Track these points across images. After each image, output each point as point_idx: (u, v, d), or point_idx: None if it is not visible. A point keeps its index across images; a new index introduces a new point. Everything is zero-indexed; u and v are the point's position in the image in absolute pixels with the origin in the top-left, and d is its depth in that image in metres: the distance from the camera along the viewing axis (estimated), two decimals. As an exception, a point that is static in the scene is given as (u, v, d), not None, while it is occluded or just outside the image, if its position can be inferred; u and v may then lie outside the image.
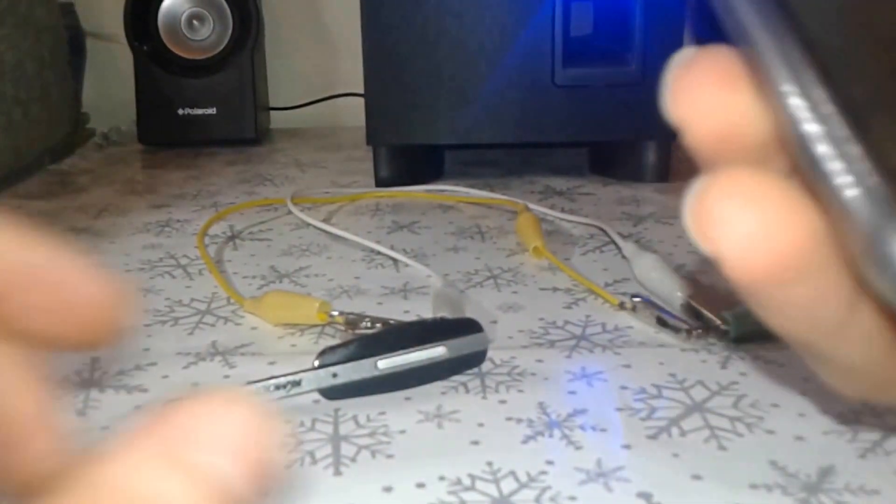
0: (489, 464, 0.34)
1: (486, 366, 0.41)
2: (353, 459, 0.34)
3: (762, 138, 0.15)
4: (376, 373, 0.38)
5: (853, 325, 0.15)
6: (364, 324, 0.45)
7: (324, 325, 0.46)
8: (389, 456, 0.34)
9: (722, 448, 0.34)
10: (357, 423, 0.37)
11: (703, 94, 0.15)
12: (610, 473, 0.33)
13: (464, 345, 0.40)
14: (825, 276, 0.14)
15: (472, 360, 0.41)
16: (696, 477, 0.32)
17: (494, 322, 0.47)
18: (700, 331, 0.44)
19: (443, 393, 0.39)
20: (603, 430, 0.36)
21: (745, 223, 0.14)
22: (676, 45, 0.68)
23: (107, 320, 0.17)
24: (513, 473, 0.33)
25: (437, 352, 0.39)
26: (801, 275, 0.14)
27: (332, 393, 0.38)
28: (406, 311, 0.49)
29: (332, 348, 0.38)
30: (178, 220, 0.67)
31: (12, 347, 0.17)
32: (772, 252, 0.14)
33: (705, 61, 0.15)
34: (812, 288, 0.14)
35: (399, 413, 0.37)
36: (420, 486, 0.32)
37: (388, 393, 0.39)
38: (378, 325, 0.45)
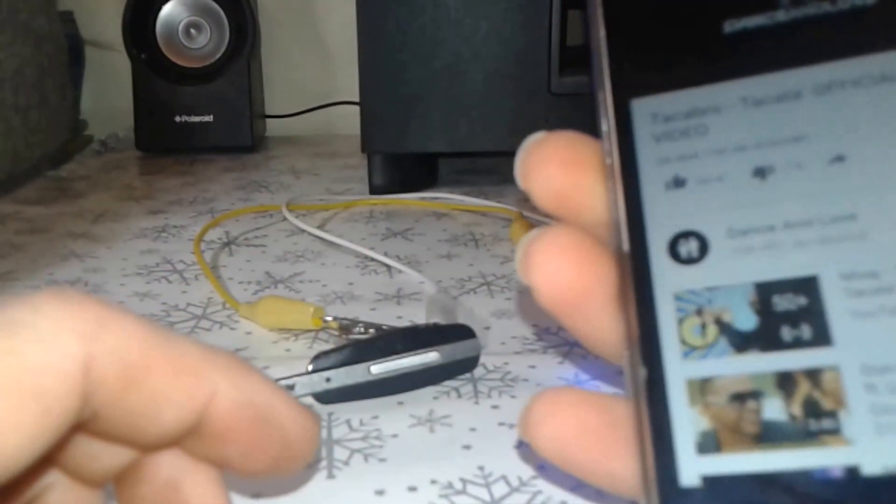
0: (481, 468, 0.34)
1: (478, 371, 0.42)
2: (346, 463, 0.34)
3: (592, 207, 0.20)
4: (369, 377, 0.39)
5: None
6: (357, 329, 0.45)
7: (318, 331, 0.47)
8: (382, 460, 0.35)
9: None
10: (350, 426, 0.37)
11: (546, 169, 0.20)
12: (599, 477, 0.33)
13: (456, 350, 0.41)
14: (605, 313, 0.19)
15: (464, 366, 0.41)
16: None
17: (487, 328, 0.47)
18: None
19: (435, 398, 0.40)
20: (593, 434, 0.36)
21: (544, 269, 0.19)
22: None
23: (303, 457, 0.18)
24: (504, 478, 0.33)
25: (429, 357, 0.40)
26: (582, 309, 0.19)
27: (325, 397, 0.38)
28: (399, 317, 0.49)
29: (325, 353, 0.39)
30: (175, 226, 0.68)
31: (211, 469, 0.18)
32: (558, 289, 0.19)
33: (552, 142, 0.20)
34: (595, 321, 0.19)
35: (392, 417, 0.38)
36: (412, 489, 0.33)
37: (381, 397, 0.39)
38: (371, 330, 0.45)
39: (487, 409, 0.39)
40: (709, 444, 0.16)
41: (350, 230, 0.66)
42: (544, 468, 0.34)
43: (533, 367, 0.42)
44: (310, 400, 0.38)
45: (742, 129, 0.18)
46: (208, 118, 0.93)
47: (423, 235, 0.64)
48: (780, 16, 0.18)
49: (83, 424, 0.15)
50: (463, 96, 0.71)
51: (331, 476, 0.34)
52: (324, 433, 0.37)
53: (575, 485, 0.33)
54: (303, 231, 0.65)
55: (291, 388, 0.38)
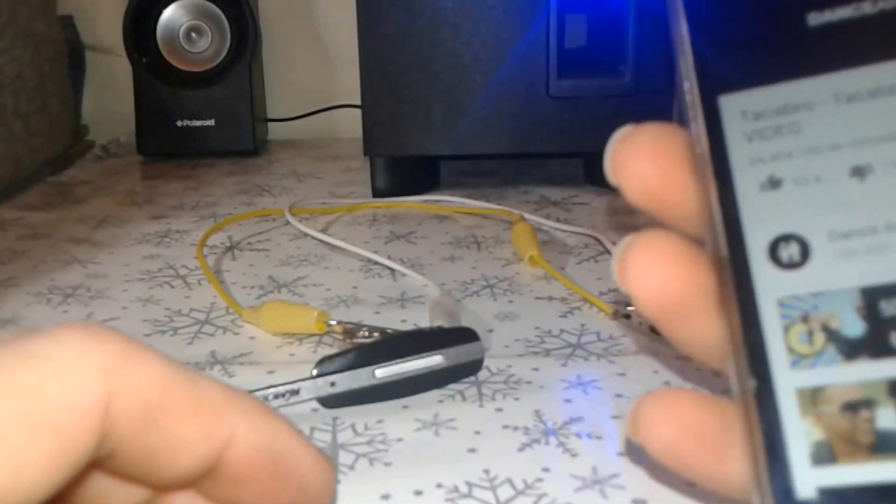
0: (486, 471, 0.34)
1: (482, 374, 0.42)
2: (352, 467, 0.34)
3: (684, 203, 0.19)
4: (374, 381, 0.39)
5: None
6: (362, 333, 0.45)
7: (322, 335, 0.47)
8: (387, 464, 0.35)
9: (715, 454, 0.35)
10: (355, 431, 0.37)
11: (637, 165, 0.19)
12: (605, 480, 0.33)
13: (460, 353, 0.41)
14: (707, 318, 0.19)
15: (468, 369, 0.41)
16: (691, 483, 0.33)
17: (490, 331, 0.47)
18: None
19: (440, 401, 0.40)
20: (598, 437, 0.36)
21: (643, 277, 0.19)
22: (669, 56, 0.69)
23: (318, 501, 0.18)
24: (509, 480, 0.33)
25: (433, 360, 0.40)
26: (683, 316, 0.19)
27: (330, 401, 0.38)
28: (403, 321, 0.49)
29: (330, 357, 0.39)
30: (177, 231, 0.68)
31: None
32: (660, 298, 0.19)
33: (642, 136, 0.19)
34: (696, 326, 0.19)
35: (397, 421, 0.38)
36: (418, 493, 0.33)
37: (386, 401, 0.39)
38: (375, 334, 0.45)
39: (492, 412, 0.39)
40: (823, 455, 0.15)
41: (353, 233, 0.66)
42: (549, 471, 0.34)
43: (536, 369, 0.42)
44: (314, 404, 0.38)
45: (837, 127, 0.17)
46: (210, 122, 0.93)
47: (426, 238, 0.64)
48: (867, 7, 0.17)
49: (99, 462, 0.15)
50: (463, 99, 0.71)
51: (336, 480, 0.34)
52: (329, 438, 0.37)
53: (580, 486, 0.33)
54: (306, 235, 0.65)
55: (296, 392, 0.38)
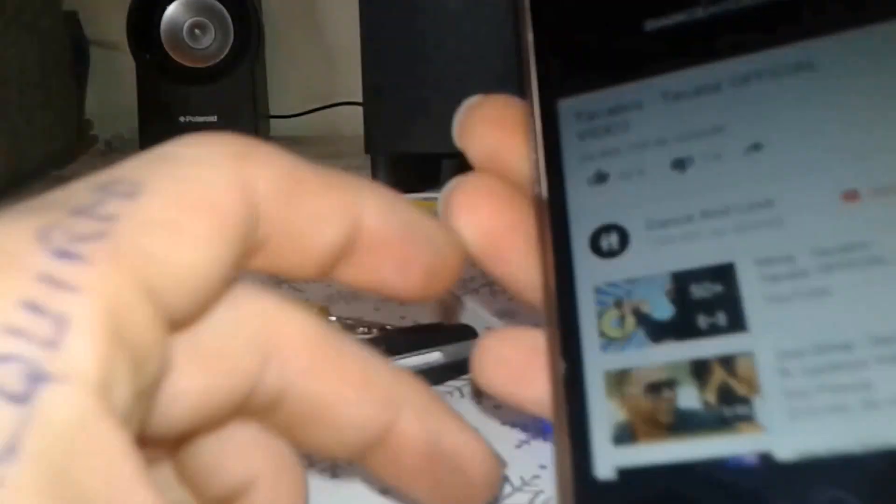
0: (483, 467, 0.34)
1: (481, 371, 0.42)
2: (349, 464, 0.35)
3: (519, 169, 0.20)
4: (373, 377, 0.39)
5: None
6: (361, 329, 0.45)
7: (322, 331, 0.47)
8: (385, 459, 0.35)
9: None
10: (354, 426, 0.37)
11: (480, 131, 0.21)
12: (601, 477, 0.33)
13: (459, 350, 0.41)
14: (526, 258, 0.20)
15: (467, 366, 0.41)
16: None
17: (489, 328, 0.47)
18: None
19: (450, 393, 0.40)
20: (595, 434, 0.36)
21: (467, 211, 0.20)
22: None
23: (452, 268, 0.20)
24: (507, 477, 0.33)
25: (432, 357, 0.40)
26: (504, 254, 0.20)
27: (329, 397, 0.38)
28: (402, 317, 0.49)
29: (329, 353, 0.39)
30: (179, 227, 0.68)
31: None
32: (481, 237, 0.20)
33: (488, 106, 0.21)
34: (516, 264, 0.20)
35: (395, 417, 0.38)
36: (415, 488, 0.33)
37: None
38: (375, 330, 0.45)
39: (490, 409, 0.39)
40: (624, 435, 0.16)
41: (353, 230, 0.66)
42: (546, 468, 0.34)
43: (535, 367, 0.43)
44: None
45: (662, 123, 0.18)
46: (212, 118, 0.93)
47: (427, 236, 0.64)
48: (699, 12, 0.18)
49: (256, 250, 0.16)
50: (465, 97, 0.71)
51: (335, 476, 0.34)
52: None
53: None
54: (306, 231, 0.65)
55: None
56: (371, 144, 0.74)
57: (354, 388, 0.17)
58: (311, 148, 0.97)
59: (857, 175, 0.16)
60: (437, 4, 0.69)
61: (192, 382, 0.15)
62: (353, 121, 0.92)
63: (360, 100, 0.73)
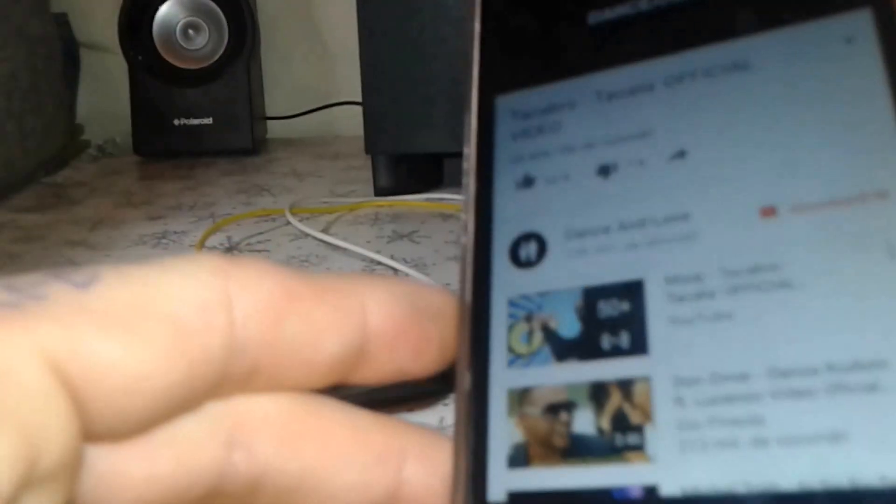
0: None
1: (492, 379, 0.40)
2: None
3: None
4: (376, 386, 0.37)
5: None
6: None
7: (324, 339, 0.45)
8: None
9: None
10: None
11: None
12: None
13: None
14: None
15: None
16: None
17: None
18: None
19: (445, 405, 0.38)
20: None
21: None
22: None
23: None
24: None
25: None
26: None
27: (334, 410, 0.37)
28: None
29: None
30: (175, 232, 0.66)
31: None
32: None
33: None
34: None
35: (404, 430, 0.36)
36: None
37: (391, 406, 0.38)
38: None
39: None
40: (519, 457, 0.15)
41: (355, 233, 0.64)
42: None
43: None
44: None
45: (592, 125, 0.17)
46: (207, 121, 0.92)
47: (430, 238, 0.63)
48: (643, 5, 0.17)
49: (249, 372, 0.15)
50: (465, 95, 0.70)
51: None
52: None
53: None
54: (307, 235, 0.63)
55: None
56: (371, 145, 0.72)
57: (343, 454, 0.15)
58: (309, 149, 0.96)
59: (778, 189, 0.15)
60: (434, 2, 0.68)
61: (135, 467, 0.14)
62: (352, 121, 0.91)
63: (359, 100, 0.72)
